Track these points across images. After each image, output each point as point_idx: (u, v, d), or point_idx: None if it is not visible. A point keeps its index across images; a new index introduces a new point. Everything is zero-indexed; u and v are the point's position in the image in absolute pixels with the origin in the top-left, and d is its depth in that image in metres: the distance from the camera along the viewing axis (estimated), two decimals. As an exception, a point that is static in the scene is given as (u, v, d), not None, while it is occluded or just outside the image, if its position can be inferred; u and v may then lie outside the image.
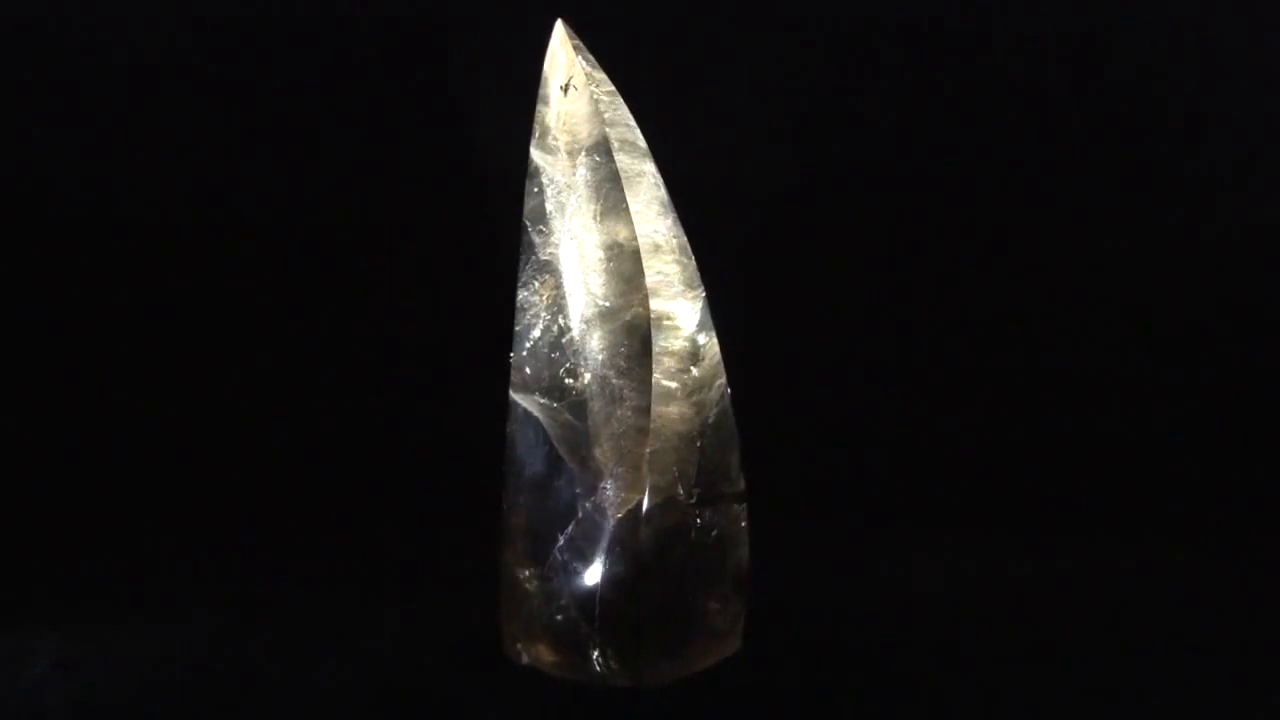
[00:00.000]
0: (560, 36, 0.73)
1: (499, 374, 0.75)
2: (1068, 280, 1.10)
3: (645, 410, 0.70)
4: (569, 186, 0.73)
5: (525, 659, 0.74)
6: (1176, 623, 0.82)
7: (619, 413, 0.71)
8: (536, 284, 0.74)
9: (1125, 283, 1.09)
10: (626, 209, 0.71)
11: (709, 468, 0.72)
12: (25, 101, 1.03)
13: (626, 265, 0.71)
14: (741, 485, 0.74)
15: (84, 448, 1.04)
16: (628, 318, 0.71)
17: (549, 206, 0.74)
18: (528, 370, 0.73)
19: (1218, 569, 0.92)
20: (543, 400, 0.73)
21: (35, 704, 0.70)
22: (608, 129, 0.72)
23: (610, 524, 0.70)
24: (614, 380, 0.71)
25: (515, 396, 0.74)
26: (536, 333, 0.73)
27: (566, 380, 0.72)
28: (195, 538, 0.98)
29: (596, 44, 0.75)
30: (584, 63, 0.73)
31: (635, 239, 0.71)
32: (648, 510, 0.70)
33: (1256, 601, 0.86)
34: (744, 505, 0.75)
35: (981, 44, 1.08)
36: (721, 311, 0.76)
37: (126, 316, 1.05)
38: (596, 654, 0.70)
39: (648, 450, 0.70)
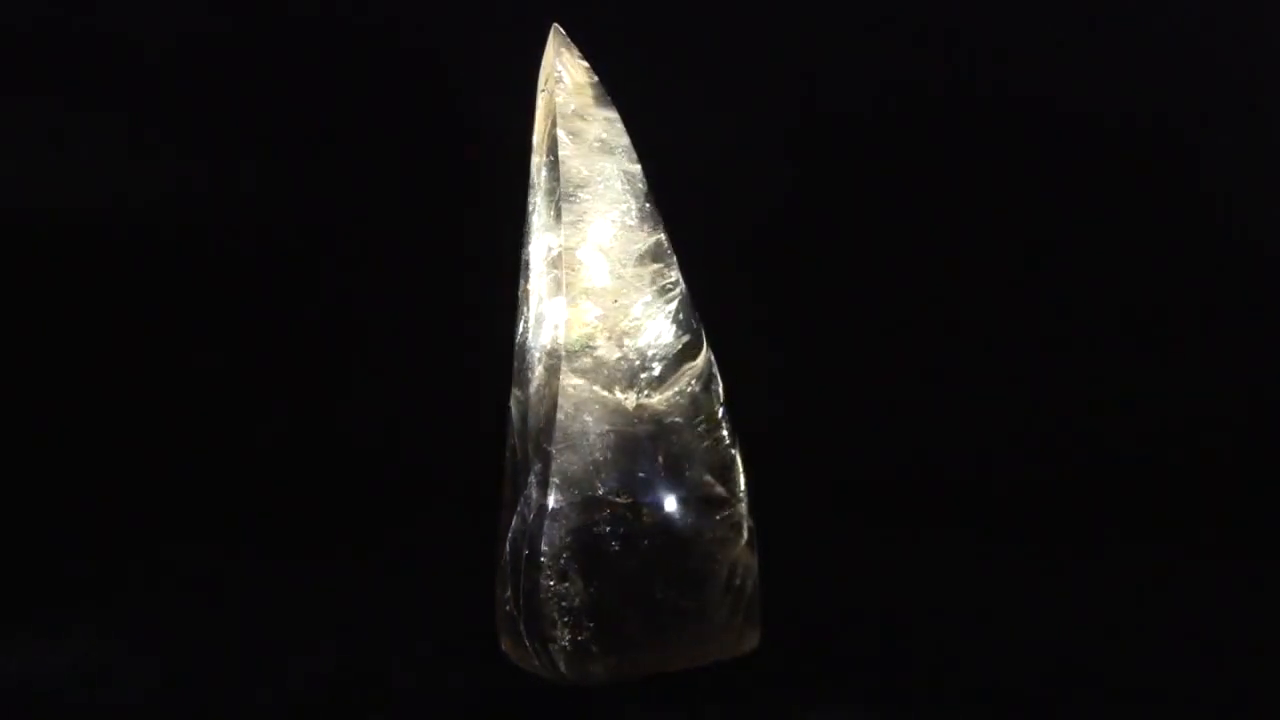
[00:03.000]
0: (551, 40, 0.74)
1: (500, 372, 0.77)
2: (1069, 280, 1.09)
3: (556, 407, 0.70)
4: (536, 186, 0.74)
5: (503, 647, 0.75)
6: (1180, 621, 0.82)
7: (541, 409, 0.72)
8: (522, 281, 0.75)
9: (1125, 283, 1.09)
10: (568, 208, 0.71)
11: (664, 469, 0.71)
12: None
13: (559, 264, 0.72)
14: (719, 490, 0.72)
15: (89, 447, 1.05)
16: (561, 315, 0.71)
17: (529, 206, 0.75)
18: (515, 365, 0.75)
19: (1220, 570, 0.92)
20: (518, 393, 0.75)
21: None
22: (560, 129, 0.72)
23: (530, 517, 0.71)
24: (544, 377, 0.72)
25: (511, 391, 0.76)
26: (520, 328, 0.75)
27: (528, 375, 0.74)
28: (192, 535, 0.99)
29: (608, 47, 0.76)
30: (558, 63, 0.73)
31: (571, 239, 0.71)
32: (557, 508, 0.70)
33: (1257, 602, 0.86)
34: (726, 510, 0.72)
35: (976, 46, 1.08)
36: (722, 313, 0.76)
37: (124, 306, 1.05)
38: (530, 647, 0.71)
39: (553, 448, 0.70)
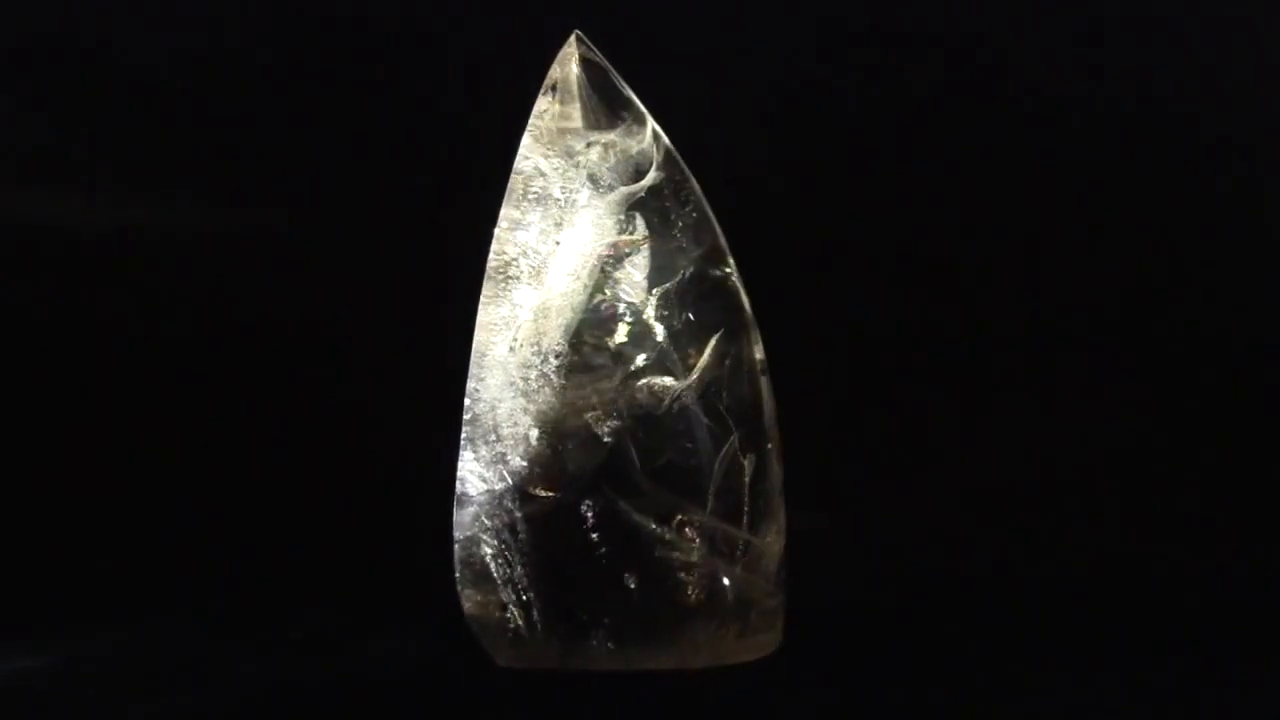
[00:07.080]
0: (565, 46, 0.75)
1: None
2: (1068, 279, 1.09)
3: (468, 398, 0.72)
4: None
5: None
6: (1184, 620, 0.83)
7: None
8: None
9: (1127, 282, 1.09)
10: (531, 209, 0.73)
11: (607, 468, 0.70)
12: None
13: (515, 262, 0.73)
14: (674, 495, 0.70)
15: (72, 456, 1.04)
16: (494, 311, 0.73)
17: None
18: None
19: (1222, 569, 0.92)
20: None
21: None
22: (529, 135, 0.74)
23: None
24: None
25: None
26: None
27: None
28: (188, 537, 0.98)
29: (621, 45, 0.76)
30: (557, 69, 0.74)
31: (527, 240, 0.72)
32: (464, 495, 0.71)
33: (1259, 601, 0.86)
34: (683, 515, 0.70)
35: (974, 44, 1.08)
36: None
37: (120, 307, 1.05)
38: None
39: (462, 436, 0.71)
